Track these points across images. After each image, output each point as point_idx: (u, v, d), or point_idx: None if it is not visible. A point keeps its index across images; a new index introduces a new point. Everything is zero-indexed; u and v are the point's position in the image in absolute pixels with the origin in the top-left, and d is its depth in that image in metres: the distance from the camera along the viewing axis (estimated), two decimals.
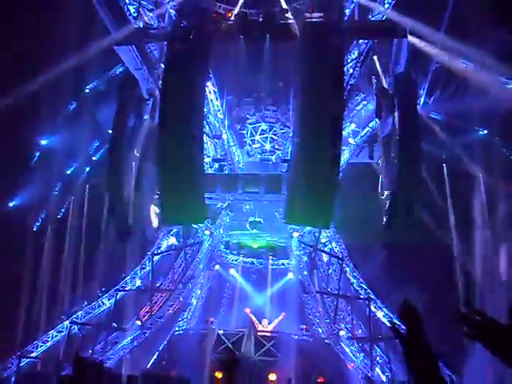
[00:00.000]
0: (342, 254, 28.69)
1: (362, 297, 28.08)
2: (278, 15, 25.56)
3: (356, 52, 27.01)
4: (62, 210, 34.08)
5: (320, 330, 28.49)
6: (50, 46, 27.76)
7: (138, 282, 29.51)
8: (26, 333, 27.95)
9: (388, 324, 27.01)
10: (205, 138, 27.32)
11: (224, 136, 30.21)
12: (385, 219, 26.93)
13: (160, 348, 29.27)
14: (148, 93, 28.51)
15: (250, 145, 31.30)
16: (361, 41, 26.70)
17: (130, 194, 27.75)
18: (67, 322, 27.53)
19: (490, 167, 27.60)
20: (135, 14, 26.35)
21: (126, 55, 27.31)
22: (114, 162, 27.81)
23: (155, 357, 28.91)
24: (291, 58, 26.31)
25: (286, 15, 25.70)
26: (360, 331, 28.19)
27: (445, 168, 29.47)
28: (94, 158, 34.29)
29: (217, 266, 32.08)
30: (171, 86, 24.86)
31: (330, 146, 23.11)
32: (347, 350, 26.59)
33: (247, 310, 28.56)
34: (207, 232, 29.32)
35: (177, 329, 29.95)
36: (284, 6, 25.87)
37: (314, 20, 24.48)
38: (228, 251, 31.26)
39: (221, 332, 26.69)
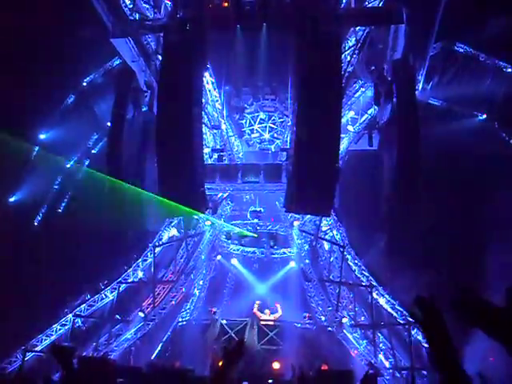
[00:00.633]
0: (343, 241, 28.69)
1: (363, 284, 28.13)
2: (274, 4, 25.43)
3: (353, 39, 26.90)
4: (63, 204, 34.11)
5: (323, 318, 28.53)
6: (45, 40, 27.78)
7: (141, 274, 29.54)
8: (29, 327, 28.02)
9: (390, 310, 27.13)
10: (203, 128, 27.31)
11: (223, 126, 30.22)
12: (385, 206, 26.99)
13: (164, 339, 29.32)
14: (146, 84, 28.48)
15: (248, 134, 31.26)
16: (358, 28, 26.59)
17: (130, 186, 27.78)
18: (71, 316, 27.59)
19: (489, 152, 27.61)
20: (131, 6, 26.24)
21: (123, 47, 27.22)
22: (114, 155, 27.85)
23: (159, 348, 28.97)
24: (288, 47, 26.23)
25: (282, 3, 25.59)
26: (363, 318, 28.27)
27: (444, 154, 29.47)
28: (93, 151, 34.28)
29: (218, 257, 32.10)
30: (168, 77, 24.84)
31: (329, 133, 23.12)
32: (350, 337, 26.64)
33: (257, 302, 28.49)
34: (208, 222, 29.33)
35: (180, 320, 29.99)
36: None
37: (310, 8, 24.39)
38: (229, 241, 31.26)
39: (224, 322, 26.75)
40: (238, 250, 31.47)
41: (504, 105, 28.81)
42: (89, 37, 27.46)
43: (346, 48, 26.72)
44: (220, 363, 4.50)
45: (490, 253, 24.85)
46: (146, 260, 29.48)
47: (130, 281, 29.14)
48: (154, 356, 28.26)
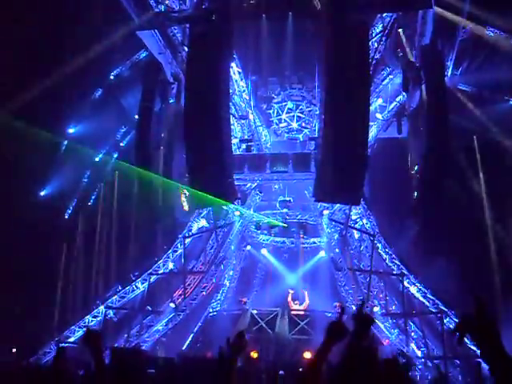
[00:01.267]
0: (373, 230, 28.49)
1: (394, 272, 27.92)
2: None
3: (380, 26, 26.66)
4: (93, 197, 34.40)
5: (353, 308, 28.41)
6: (73, 34, 27.95)
7: (171, 265, 29.68)
8: (62, 318, 28.39)
9: (422, 299, 26.92)
10: (231, 119, 27.29)
11: (250, 116, 30.15)
12: (415, 194, 26.74)
13: (195, 330, 29.48)
14: (173, 76, 28.57)
15: (276, 124, 31.14)
16: (385, 14, 26.31)
17: (159, 178, 27.94)
18: (102, 307, 27.84)
19: None
20: None
21: (149, 40, 27.35)
22: (142, 147, 27.99)
23: (190, 339, 29.13)
24: (315, 35, 26.07)
25: None
26: (394, 307, 28.09)
27: (475, 140, 29.09)
28: (121, 144, 34.48)
29: (248, 247, 32.14)
30: (195, 69, 24.88)
31: (357, 121, 22.97)
32: (381, 326, 26.49)
33: (290, 291, 28.48)
34: (237, 213, 29.33)
35: (210, 310, 30.10)
36: None
37: None
38: (259, 231, 31.24)
39: (254, 312, 26.77)
40: (267, 240, 31.45)
41: None
42: (116, 30, 27.53)
43: (373, 35, 26.45)
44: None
45: None
46: (176, 251, 29.60)
47: (160, 272, 29.30)
48: (185, 346, 28.43)
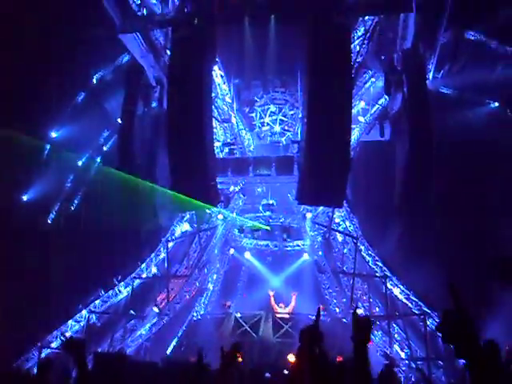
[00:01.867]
0: (356, 232, 28.61)
1: (377, 275, 28.04)
2: None
3: (362, 29, 26.72)
4: (76, 201, 34.22)
5: (337, 310, 28.52)
6: (55, 37, 27.83)
7: (154, 269, 29.66)
8: (44, 323, 28.18)
9: (405, 301, 27.04)
10: (214, 122, 27.30)
11: (233, 120, 30.14)
12: (398, 196, 26.86)
13: (179, 334, 29.41)
14: (155, 80, 28.52)
15: (259, 127, 31.21)
16: (366, 17, 26.42)
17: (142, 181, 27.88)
18: (85, 312, 27.75)
19: (503, 140, 27.38)
20: (139, 2, 26.21)
21: (132, 43, 27.25)
22: (125, 151, 27.93)
23: (174, 343, 29.06)
24: (297, 38, 26.12)
25: None
26: (377, 309, 28.18)
27: (457, 142, 29.27)
28: (104, 148, 34.36)
29: (231, 250, 32.12)
30: (178, 72, 24.88)
31: (339, 124, 23.04)
32: None
33: (271, 293, 28.54)
34: (220, 216, 29.36)
35: (194, 314, 30.07)
36: None
37: None
38: (242, 235, 31.24)
39: (238, 315, 26.78)
40: (251, 243, 31.45)
41: None
42: (98, 34, 27.45)
43: (355, 38, 26.53)
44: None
45: (505, 240, 24.71)
46: (159, 255, 29.60)
47: (143, 276, 29.28)
48: (169, 351, 28.35)
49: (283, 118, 30.82)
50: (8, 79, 26.83)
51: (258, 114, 31.04)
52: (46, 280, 28.90)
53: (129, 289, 28.47)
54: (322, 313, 26.34)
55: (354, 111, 26.61)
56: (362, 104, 30.00)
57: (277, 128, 30.82)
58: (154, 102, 29.05)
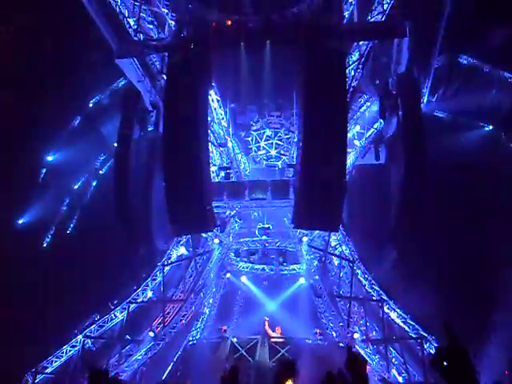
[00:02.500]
0: (352, 256, 28.55)
1: (374, 298, 27.97)
2: (277, 21, 25.53)
3: (357, 54, 26.94)
4: (71, 225, 34.18)
5: (334, 334, 28.38)
6: (51, 61, 27.98)
7: (150, 294, 29.49)
8: (39, 348, 27.97)
9: (402, 324, 26.96)
10: (210, 146, 27.36)
11: (229, 144, 30.23)
12: (394, 220, 26.89)
13: (174, 359, 29.19)
14: (151, 104, 28.58)
15: (255, 151, 31.32)
16: (361, 42, 26.64)
17: (138, 205, 27.93)
18: (81, 336, 27.53)
19: (497, 162, 27.53)
20: (135, 27, 26.37)
21: (128, 68, 27.38)
22: (121, 175, 27.96)
23: (170, 368, 28.84)
24: (293, 63, 26.30)
25: (285, 21, 25.67)
26: (374, 333, 28.04)
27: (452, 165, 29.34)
28: (100, 172, 34.40)
29: (228, 274, 32.01)
30: (174, 97, 24.97)
31: (335, 148, 23.09)
32: (362, 352, 26.39)
33: (266, 319, 28.44)
34: (216, 240, 29.35)
35: (190, 339, 29.86)
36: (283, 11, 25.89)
37: (313, 24, 24.48)
38: (238, 259, 31.20)
39: (234, 340, 26.62)
40: (247, 267, 31.40)
41: (510, 115, 28.74)
42: (94, 59, 27.62)
43: (350, 63, 26.71)
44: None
45: (504, 263, 24.77)
46: (155, 279, 29.45)
47: (139, 300, 29.09)
48: (164, 376, 28.12)
49: (279, 142, 30.95)
50: (3, 103, 26.94)
51: (254, 138, 31.17)
52: (41, 304, 28.76)
53: (124, 313, 28.28)
54: (318, 337, 26.30)
55: (349, 135, 26.76)
56: (358, 128, 30.19)
57: (273, 152, 30.95)
58: (150, 126, 29.13)
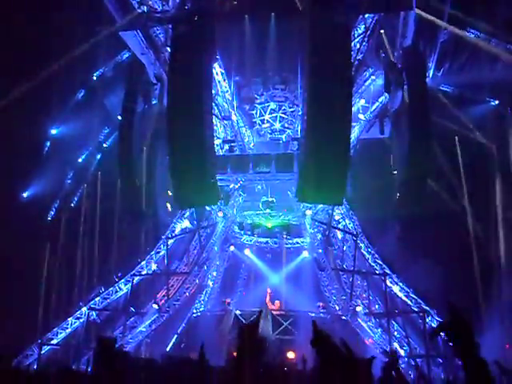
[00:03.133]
0: (355, 230, 28.59)
1: (377, 272, 28.04)
2: None
3: (362, 26, 26.71)
4: (76, 198, 34.22)
5: (337, 307, 28.51)
6: (55, 35, 27.81)
7: (154, 266, 29.63)
8: (45, 320, 28.22)
9: (404, 298, 27.08)
10: (214, 119, 27.27)
11: (233, 117, 30.14)
12: (398, 194, 26.88)
13: (178, 331, 29.44)
14: (155, 77, 28.51)
15: (259, 125, 31.16)
16: (367, 15, 26.39)
17: (143, 178, 27.96)
18: (85, 309, 27.73)
19: (502, 138, 27.41)
20: None
21: (132, 40, 27.29)
22: (125, 148, 27.94)
23: (174, 340, 29.10)
24: (298, 36, 26.11)
25: None
26: (377, 306, 28.22)
27: (457, 140, 29.21)
28: (104, 145, 34.35)
29: (231, 247, 32.13)
30: (178, 69, 24.86)
31: (339, 122, 23.02)
32: (364, 325, 26.57)
33: (268, 290, 28.63)
34: (220, 214, 29.39)
35: (194, 311, 30.10)
36: None
37: None
38: (242, 232, 31.27)
39: (238, 313, 26.81)
40: (250, 240, 31.50)
41: None
42: (98, 31, 27.41)
43: (356, 36, 26.51)
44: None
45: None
46: (159, 252, 29.57)
47: (143, 273, 29.25)
48: (169, 348, 28.39)
49: (283, 116, 30.78)
50: (7, 76, 26.84)
51: (258, 112, 30.99)
52: (47, 276, 28.96)
53: (129, 286, 28.45)
54: (321, 310, 26.42)
55: (354, 109, 26.60)
56: (362, 102, 30.04)
57: (277, 125, 30.81)
58: (154, 99, 29.05)
